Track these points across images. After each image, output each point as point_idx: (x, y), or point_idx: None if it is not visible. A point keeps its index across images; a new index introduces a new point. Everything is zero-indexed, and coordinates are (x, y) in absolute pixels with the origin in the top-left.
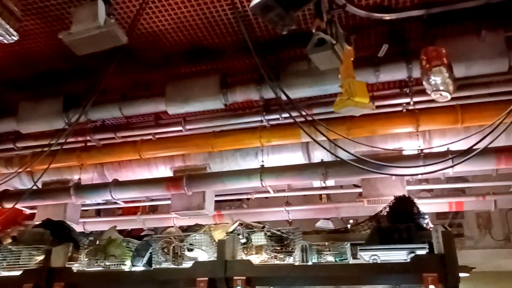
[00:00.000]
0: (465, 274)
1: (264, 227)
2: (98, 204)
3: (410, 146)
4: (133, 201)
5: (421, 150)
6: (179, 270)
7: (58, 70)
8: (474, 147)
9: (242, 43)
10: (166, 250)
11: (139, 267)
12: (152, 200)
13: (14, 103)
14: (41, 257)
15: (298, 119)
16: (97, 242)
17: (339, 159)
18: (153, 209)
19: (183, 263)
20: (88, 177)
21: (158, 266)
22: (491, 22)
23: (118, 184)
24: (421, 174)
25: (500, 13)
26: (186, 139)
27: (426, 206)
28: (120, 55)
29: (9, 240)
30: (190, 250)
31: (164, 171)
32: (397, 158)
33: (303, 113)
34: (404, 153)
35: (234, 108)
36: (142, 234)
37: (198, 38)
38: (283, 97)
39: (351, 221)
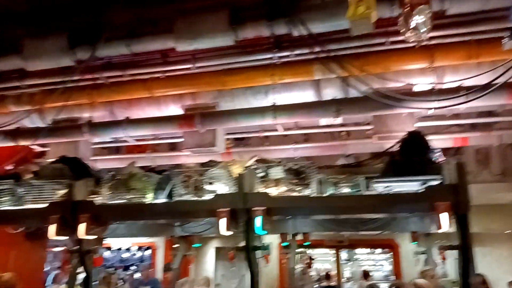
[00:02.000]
0: None
1: (280, 162)
2: (106, 142)
3: (423, 83)
4: (140, 140)
5: (434, 86)
6: (201, 201)
7: (62, 3)
8: (491, 83)
9: None
10: (186, 184)
11: (161, 200)
12: (160, 138)
13: (17, 39)
14: (63, 191)
15: (312, 56)
16: (119, 177)
17: (352, 96)
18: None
19: (203, 195)
20: (98, 115)
21: (179, 198)
22: None
23: (131, 122)
24: (435, 108)
25: None
26: (196, 77)
27: (433, 142)
28: None
29: (30, 176)
30: (209, 183)
31: (174, 109)
32: (411, 94)
33: (317, 48)
34: (417, 89)
35: (244, 45)
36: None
37: None
38: (295, 33)
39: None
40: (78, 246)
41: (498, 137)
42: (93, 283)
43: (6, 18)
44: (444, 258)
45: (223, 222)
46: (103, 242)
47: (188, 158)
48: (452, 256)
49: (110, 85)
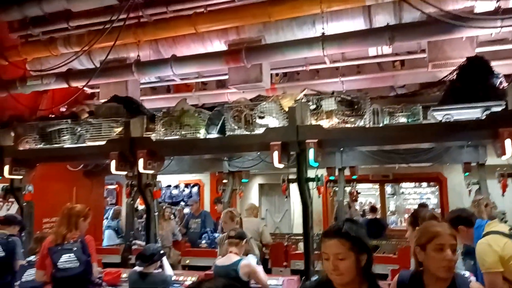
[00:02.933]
0: None
1: (333, 93)
2: (151, 82)
3: (484, 6)
4: (185, 78)
5: (499, 6)
6: (253, 135)
7: None
8: None
9: None
10: (237, 119)
11: (214, 135)
12: (205, 76)
13: None
14: (119, 129)
15: None
16: (172, 114)
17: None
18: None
19: (254, 130)
20: (143, 54)
21: (231, 133)
22: None
23: (178, 60)
24: (501, 27)
25: None
26: (241, 9)
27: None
28: None
29: (86, 115)
30: (260, 118)
31: (219, 45)
32: (471, 17)
33: None
34: (478, 10)
35: None
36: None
37: None
38: None
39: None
40: (137, 181)
41: None
42: (154, 214)
43: None
44: (505, 186)
45: (276, 155)
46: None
47: (234, 95)
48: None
49: (155, 23)
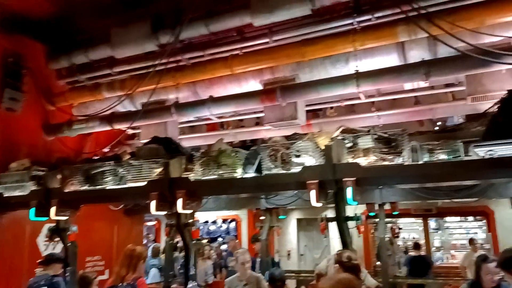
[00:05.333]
0: None
1: (369, 130)
2: (189, 121)
3: None
4: (221, 117)
5: None
6: (289, 174)
7: None
8: None
9: None
10: (273, 158)
11: (251, 174)
12: (241, 114)
13: (105, 29)
14: (159, 169)
15: (395, 17)
16: (209, 154)
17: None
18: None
19: (291, 168)
20: (182, 96)
21: (268, 172)
22: None
23: (214, 100)
24: None
25: None
26: (275, 50)
27: None
28: None
29: (128, 156)
30: (296, 156)
31: (254, 84)
32: (510, 48)
33: (404, 8)
34: None
35: (321, 13)
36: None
37: None
38: None
39: (439, 123)
40: (176, 221)
41: None
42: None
43: (95, 10)
44: None
45: (313, 194)
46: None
47: (269, 132)
48: None
49: (192, 66)
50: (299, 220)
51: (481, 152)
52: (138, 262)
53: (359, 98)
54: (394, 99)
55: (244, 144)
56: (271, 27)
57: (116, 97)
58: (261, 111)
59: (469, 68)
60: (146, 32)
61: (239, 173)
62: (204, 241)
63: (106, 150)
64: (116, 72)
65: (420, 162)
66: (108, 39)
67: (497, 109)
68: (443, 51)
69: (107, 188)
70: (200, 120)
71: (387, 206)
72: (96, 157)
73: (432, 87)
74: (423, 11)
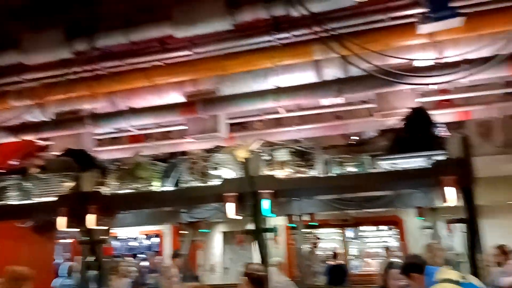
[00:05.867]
0: None
1: (285, 144)
2: (109, 133)
3: (423, 58)
4: (142, 129)
5: (436, 60)
6: (208, 187)
7: None
8: (492, 55)
9: None
10: (192, 170)
11: (168, 187)
12: (162, 126)
13: (16, 34)
14: (70, 184)
15: (311, 36)
16: (125, 167)
17: (353, 75)
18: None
19: (209, 181)
20: (99, 106)
21: (186, 185)
22: None
23: (133, 111)
24: (436, 83)
25: None
26: (196, 63)
27: (435, 116)
28: None
29: (36, 170)
30: (215, 169)
31: (175, 96)
32: (413, 70)
33: (317, 28)
34: (418, 64)
35: (242, 29)
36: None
37: None
38: (294, 14)
39: (354, 137)
40: (88, 237)
41: (500, 110)
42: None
43: (3, 13)
44: (450, 232)
45: (231, 206)
46: (110, 231)
47: (191, 144)
48: (459, 229)
49: (110, 75)
50: (224, 233)
51: (385, 165)
52: (22, 284)
53: (278, 112)
54: (317, 113)
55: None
56: (193, 40)
57: (25, 106)
58: (184, 124)
59: (376, 87)
60: (60, 39)
61: (156, 186)
62: (129, 258)
63: (13, 162)
64: (26, 80)
65: (331, 174)
66: (17, 44)
67: (401, 125)
68: (356, 70)
69: (10, 203)
70: (122, 132)
71: (306, 217)
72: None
73: (349, 103)
74: (333, 33)
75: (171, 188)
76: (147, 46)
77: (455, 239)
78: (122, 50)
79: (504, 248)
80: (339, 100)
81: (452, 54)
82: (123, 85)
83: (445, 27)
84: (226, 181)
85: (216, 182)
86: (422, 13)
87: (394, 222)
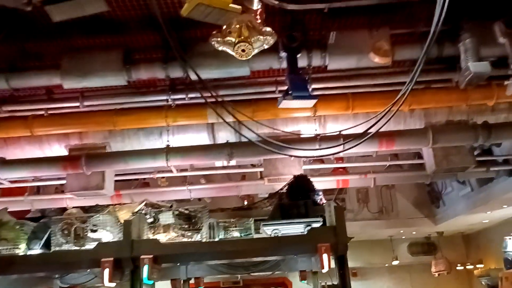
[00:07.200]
0: None
1: (171, 206)
2: None
3: (307, 129)
4: (17, 181)
5: (318, 134)
6: (82, 251)
7: None
8: (365, 132)
9: (147, 18)
10: (66, 232)
11: (36, 250)
12: (40, 180)
13: None
14: None
15: (206, 100)
16: None
17: (244, 140)
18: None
19: (85, 244)
20: None
21: (58, 249)
22: (378, 20)
23: (6, 163)
24: (317, 156)
25: (388, 12)
26: (84, 116)
27: (318, 183)
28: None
29: None
30: (93, 231)
31: (58, 149)
32: (297, 140)
33: (212, 93)
34: (302, 136)
35: (138, 86)
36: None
37: None
38: (192, 77)
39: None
40: None
41: (373, 180)
42: None
43: None
44: None
45: (106, 273)
46: None
47: (74, 201)
48: None
49: None
50: None
51: (268, 230)
52: None
53: (171, 171)
54: (209, 174)
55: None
56: (84, 92)
57: None
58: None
59: (264, 154)
60: None
61: (22, 249)
62: None
63: None
64: None
65: (216, 240)
66: None
67: (284, 192)
68: (248, 135)
69: None
70: None
71: (192, 281)
72: None
73: (239, 166)
74: (225, 99)
75: (40, 252)
76: (31, 94)
77: None
78: (3, 96)
79: None
80: (232, 162)
81: (332, 129)
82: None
83: (301, 105)
84: (102, 244)
85: (92, 245)
86: (285, 90)
87: (284, 284)
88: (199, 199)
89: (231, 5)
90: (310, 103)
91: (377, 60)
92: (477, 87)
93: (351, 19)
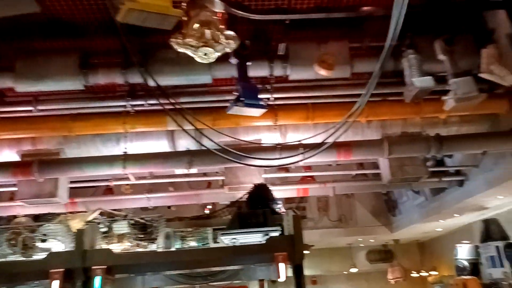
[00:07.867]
0: (306, 251)
1: (126, 215)
2: None
3: (268, 138)
4: None
5: (278, 143)
6: (30, 262)
7: None
8: (323, 142)
9: (107, 22)
10: (13, 242)
11: None
12: None
13: None
14: None
15: (165, 107)
16: None
17: (204, 148)
18: None
19: (34, 255)
20: None
21: (3, 260)
22: (337, 33)
23: None
24: (278, 166)
25: (347, 25)
26: (38, 120)
27: (279, 192)
28: None
29: None
30: (43, 241)
31: (9, 154)
32: (257, 149)
33: (171, 101)
34: (263, 145)
35: (96, 91)
36: None
37: (56, 10)
38: (151, 83)
39: (209, 206)
40: None
41: (333, 189)
42: None
43: None
44: None
45: (56, 285)
46: None
47: (26, 209)
48: None
49: None
50: None
51: (226, 239)
52: None
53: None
54: (170, 182)
55: None
56: (38, 95)
57: None
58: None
59: (224, 162)
60: None
61: None
62: None
63: None
64: None
65: (172, 249)
66: None
67: (243, 200)
68: (208, 144)
69: None
70: None
71: None
72: None
73: (204, 174)
74: (185, 106)
75: None
76: None
77: None
78: None
79: None
80: (193, 170)
81: (293, 138)
82: None
83: (251, 113)
84: (52, 254)
85: (41, 256)
86: (236, 97)
87: None
88: (169, 207)
89: (171, 9)
90: (260, 111)
91: (321, 72)
92: (429, 101)
93: (312, 32)
